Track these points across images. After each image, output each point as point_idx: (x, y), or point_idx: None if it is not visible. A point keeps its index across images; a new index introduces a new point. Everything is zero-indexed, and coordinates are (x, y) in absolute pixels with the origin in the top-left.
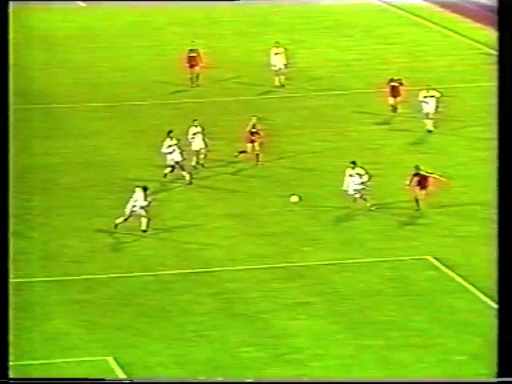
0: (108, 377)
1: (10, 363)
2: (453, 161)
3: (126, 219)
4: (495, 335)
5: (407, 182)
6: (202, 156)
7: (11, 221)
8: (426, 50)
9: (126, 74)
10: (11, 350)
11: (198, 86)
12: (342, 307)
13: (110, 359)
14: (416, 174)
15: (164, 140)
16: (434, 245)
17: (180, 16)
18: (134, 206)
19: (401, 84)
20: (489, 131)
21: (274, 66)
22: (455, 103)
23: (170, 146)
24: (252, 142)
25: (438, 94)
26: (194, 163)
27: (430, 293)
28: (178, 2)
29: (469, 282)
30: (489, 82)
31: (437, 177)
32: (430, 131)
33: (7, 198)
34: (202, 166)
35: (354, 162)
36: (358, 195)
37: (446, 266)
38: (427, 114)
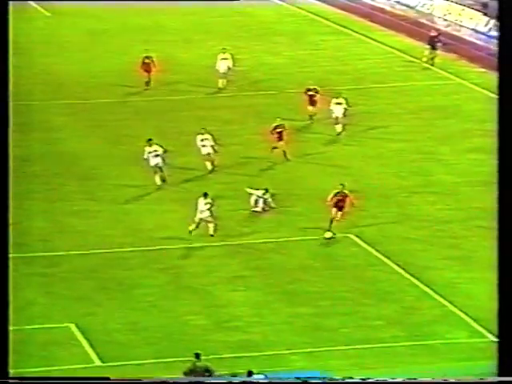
0: (69, 341)
1: None
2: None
3: (196, 226)
4: (411, 302)
5: (329, 198)
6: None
7: None
8: (347, 54)
9: (87, 76)
10: None
11: (151, 88)
12: (277, 280)
13: (72, 326)
14: (338, 193)
15: (145, 146)
16: (356, 224)
17: (132, 23)
18: (201, 212)
19: (317, 92)
20: (403, 126)
21: (219, 69)
22: (371, 102)
23: (150, 152)
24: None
25: (344, 101)
26: (209, 168)
27: (353, 266)
28: (177, 2)
29: (385, 256)
30: (403, 83)
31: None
32: (338, 134)
33: None
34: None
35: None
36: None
37: (366, 243)
38: (337, 119)
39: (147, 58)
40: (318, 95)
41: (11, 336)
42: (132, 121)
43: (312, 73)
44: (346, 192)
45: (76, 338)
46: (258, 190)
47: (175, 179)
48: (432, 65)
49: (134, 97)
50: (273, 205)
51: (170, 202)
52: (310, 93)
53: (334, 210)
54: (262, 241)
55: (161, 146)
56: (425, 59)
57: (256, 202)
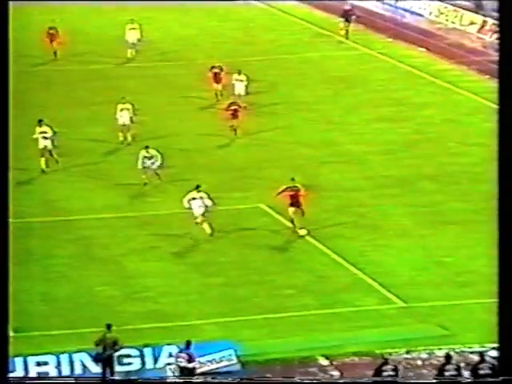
0: None
1: None
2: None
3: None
4: (321, 271)
5: (277, 192)
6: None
7: None
8: (256, 26)
9: None
10: None
11: (58, 58)
12: (188, 250)
13: None
14: (288, 188)
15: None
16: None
17: None
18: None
19: (221, 70)
20: (311, 96)
21: (128, 40)
22: (280, 73)
23: (42, 132)
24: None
25: (245, 78)
26: (121, 138)
27: (263, 236)
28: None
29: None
30: (311, 53)
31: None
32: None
33: None
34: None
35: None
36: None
37: (277, 212)
38: (239, 95)
39: (51, 28)
40: (222, 72)
41: None
42: (39, 91)
43: (221, 43)
44: (298, 186)
45: None
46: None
47: (84, 150)
48: (347, 38)
49: (41, 66)
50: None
51: (80, 173)
52: (215, 70)
53: (292, 209)
54: (171, 211)
55: (50, 128)
56: (342, 32)
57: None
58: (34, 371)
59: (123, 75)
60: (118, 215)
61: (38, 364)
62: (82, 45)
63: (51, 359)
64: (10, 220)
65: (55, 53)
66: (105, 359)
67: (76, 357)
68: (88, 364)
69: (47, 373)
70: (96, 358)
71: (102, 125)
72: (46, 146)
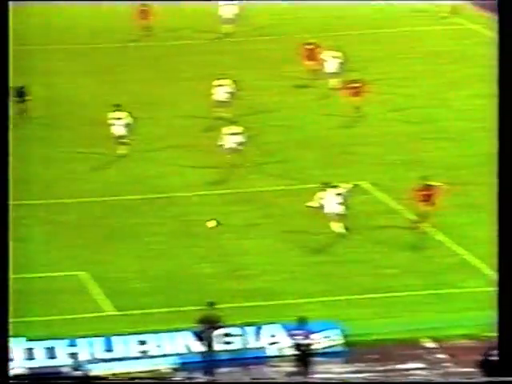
0: (80, 290)
1: None
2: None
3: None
4: (426, 251)
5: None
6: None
7: None
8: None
9: (87, 21)
10: None
11: (152, 34)
12: (287, 228)
13: (83, 274)
14: (424, 187)
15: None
16: (369, 171)
17: None
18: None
19: (316, 46)
20: (410, 72)
21: (224, 15)
22: (377, 47)
23: (118, 118)
24: None
25: (340, 55)
26: (217, 114)
27: (365, 214)
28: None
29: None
30: (410, 28)
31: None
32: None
33: None
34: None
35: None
36: None
37: (379, 190)
38: (331, 73)
39: (143, 5)
40: (317, 49)
41: (23, 283)
42: (133, 67)
43: (317, 18)
44: (433, 184)
45: (86, 287)
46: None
47: (181, 126)
48: (448, 16)
49: (134, 43)
50: None
51: (180, 148)
52: (309, 47)
53: (422, 204)
54: (270, 188)
55: (129, 113)
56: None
57: None
58: (135, 350)
59: (218, 50)
60: (217, 192)
61: (141, 343)
62: (176, 20)
63: (153, 338)
64: (109, 198)
65: (148, 28)
66: (206, 338)
67: (178, 335)
68: (190, 343)
69: (148, 351)
70: (198, 337)
71: (198, 101)
72: (120, 133)
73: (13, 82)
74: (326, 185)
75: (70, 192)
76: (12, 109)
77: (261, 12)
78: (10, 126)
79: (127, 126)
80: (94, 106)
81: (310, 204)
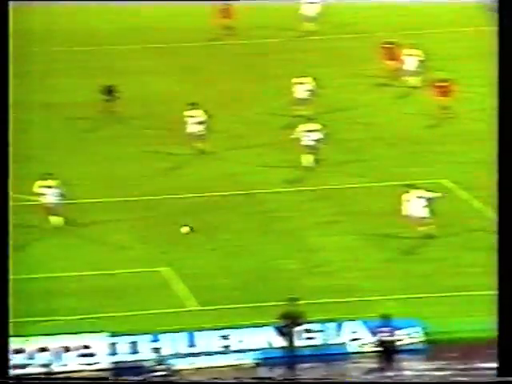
0: (164, 286)
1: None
2: None
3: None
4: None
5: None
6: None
7: None
8: None
9: (172, 21)
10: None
11: (233, 34)
12: (368, 225)
13: (167, 270)
14: None
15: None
16: (448, 169)
17: None
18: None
19: (396, 46)
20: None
21: (306, 13)
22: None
23: (194, 116)
24: None
25: (419, 53)
26: (297, 112)
27: (445, 212)
28: (177, 2)
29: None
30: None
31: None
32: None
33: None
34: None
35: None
36: None
37: (461, 188)
38: (409, 71)
39: (225, 4)
40: (397, 48)
41: (107, 279)
42: (213, 65)
43: (395, 16)
44: None
45: (169, 283)
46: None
47: (266, 124)
48: None
49: (216, 41)
50: None
51: (261, 146)
52: (389, 46)
53: None
54: (352, 186)
55: (205, 112)
56: None
57: None
58: (218, 344)
59: (300, 48)
60: (297, 189)
61: (224, 337)
62: (257, 19)
63: (235, 333)
64: (193, 195)
65: (230, 27)
66: (288, 333)
67: (260, 330)
68: (271, 338)
69: (230, 346)
70: (280, 332)
71: (278, 99)
72: (196, 131)
73: (99, 81)
74: (410, 186)
75: (154, 189)
76: (100, 107)
77: (342, 10)
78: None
79: (203, 123)
80: (176, 105)
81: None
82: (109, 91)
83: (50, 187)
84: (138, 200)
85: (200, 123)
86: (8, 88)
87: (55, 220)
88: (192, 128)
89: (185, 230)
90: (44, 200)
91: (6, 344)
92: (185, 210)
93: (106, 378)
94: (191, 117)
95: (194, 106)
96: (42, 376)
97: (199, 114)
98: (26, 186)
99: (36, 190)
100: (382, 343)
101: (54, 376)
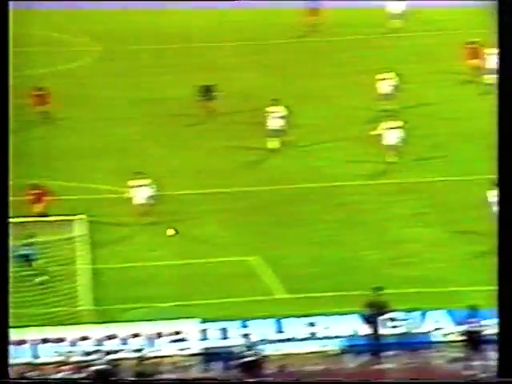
0: (253, 274)
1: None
2: None
3: None
4: None
5: None
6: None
7: None
8: None
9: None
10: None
11: (318, 31)
12: (452, 218)
13: (256, 259)
14: None
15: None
16: None
17: None
18: None
19: (478, 45)
20: None
21: (393, 11)
22: None
23: (275, 112)
24: None
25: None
26: (382, 107)
27: None
28: (178, 2)
29: None
30: None
31: None
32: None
33: None
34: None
35: None
36: None
37: None
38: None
39: (315, 3)
40: (479, 48)
41: (198, 267)
42: (300, 61)
43: (477, 15)
44: None
45: (258, 271)
46: None
47: (350, 118)
48: None
49: (302, 38)
50: None
51: (346, 140)
52: (471, 46)
53: None
54: (435, 179)
55: (287, 107)
56: None
57: None
58: (305, 331)
59: (385, 45)
60: (382, 182)
61: (310, 324)
62: (344, 16)
63: (321, 320)
64: (279, 186)
65: (316, 25)
66: (373, 322)
67: (345, 318)
68: (357, 326)
69: (316, 333)
70: (365, 320)
71: (363, 94)
72: (277, 126)
73: (193, 77)
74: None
75: (243, 182)
76: (197, 105)
77: (428, 8)
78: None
79: (283, 118)
80: (263, 100)
81: None
82: (207, 90)
83: (141, 186)
84: (227, 192)
85: (281, 118)
86: (8, 88)
87: (147, 218)
88: (273, 123)
89: (170, 232)
90: (136, 198)
91: (6, 344)
92: (272, 202)
93: (106, 378)
94: (273, 112)
95: (275, 101)
96: (43, 377)
97: (280, 110)
98: (120, 180)
99: (129, 188)
100: (468, 333)
101: (145, 362)
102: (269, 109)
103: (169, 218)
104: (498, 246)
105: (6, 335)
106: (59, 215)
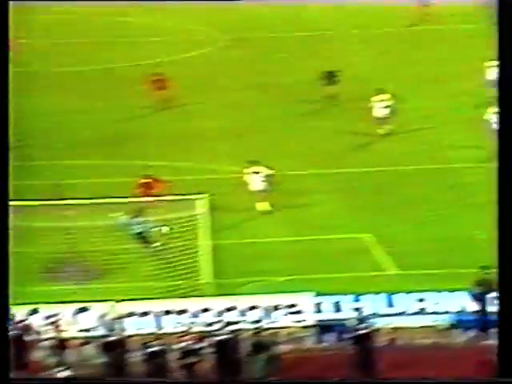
0: (365, 251)
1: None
2: None
3: None
4: None
5: None
6: None
7: None
8: None
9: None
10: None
11: (429, 20)
12: None
13: (369, 236)
14: None
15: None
16: None
17: None
18: None
19: None
20: None
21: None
22: None
23: (382, 101)
24: None
25: None
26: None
27: None
28: (180, 2)
29: None
30: None
31: None
32: None
33: None
34: None
35: None
36: None
37: None
38: None
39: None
40: None
41: (312, 244)
42: (411, 49)
43: None
44: None
45: (371, 248)
46: None
47: (459, 103)
48: None
49: (414, 27)
50: None
51: (457, 123)
52: None
53: None
54: None
55: (393, 95)
56: None
57: None
58: (414, 306)
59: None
60: (491, 165)
61: (420, 300)
62: (452, 8)
63: (431, 296)
64: (391, 168)
65: (428, 14)
66: (481, 299)
67: (454, 295)
68: (465, 302)
69: (426, 308)
70: (474, 297)
71: (470, 80)
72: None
73: (313, 65)
74: None
75: (357, 163)
76: (320, 91)
77: None
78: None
79: (392, 104)
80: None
81: None
82: (329, 76)
83: (257, 173)
84: (342, 173)
85: (389, 104)
86: (8, 88)
87: (263, 205)
88: (381, 109)
89: (164, 229)
90: (253, 184)
91: (6, 344)
92: (385, 183)
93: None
94: (381, 100)
95: (381, 90)
96: (43, 378)
97: (388, 97)
98: (239, 161)
99: (246, 173)
100: None
101: (262, 333)
102: (377, 96)
103: (286, 197)
104: (498, 247)
105: (5, 336)
106: (183, 194)
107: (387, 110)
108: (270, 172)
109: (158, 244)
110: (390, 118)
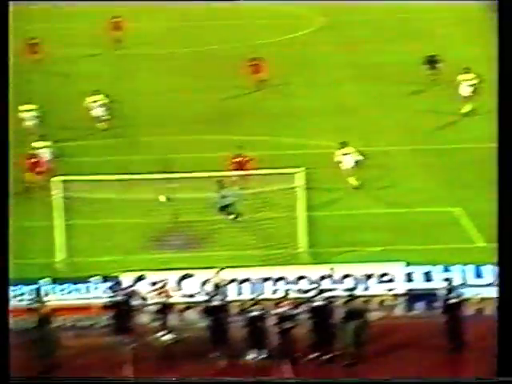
0: (455, 224)
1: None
2: None
3: None
4: None
5: None
6: None
7: None
8: None
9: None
10: None
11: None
12: None
13: (459, 210)
14: None
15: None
16: None
17: None
18: None
19: None
20: None
21: None
22: None
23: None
24: None
25: None
26: None
27: None
28: (179, 2)
29: None
30: None
31: None
32: None
33: None
34: None
35: None
36: None
37: None
38: None
39: None
40: None
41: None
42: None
43: None
44: None
45: (460, 221)
46: None
47: None
48: None
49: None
50: None
51: None
52: None
53: None
54: None
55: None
56: None
57: None
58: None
59: None
60: None
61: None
62: None
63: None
64: (476, 145)
65: None
66: None
67: None
68: None
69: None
70: None
71: None
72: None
73: (411, 48)
74: None
75: (445, 139)
76: (422, 73)
77: None
78: None
79: (472, 86)
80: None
81: None
82: (431, 61)
83: (348, 154)
84: (433, 149)
85: (472, 84)
86: (8, 87)
87: (352, 180)
88: (465, 89)
89: (162, 198)
90: (344, 163)
91: (6, 344)
92: (474, 160)
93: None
94: (466, 80)
95: (468, 69)
96: (43, 377)
97: (472, 77)
98: (336, 137)
99: (336, 157)
100: None
101: (355, 300)
102: (461, 76)
103: (378, 171)
104: (498, 248)
105: (5, 337)
106: (282, 168)
107: (471, 89)
108: (360, 157)
109: (251, 216)
110: (473, 97)
